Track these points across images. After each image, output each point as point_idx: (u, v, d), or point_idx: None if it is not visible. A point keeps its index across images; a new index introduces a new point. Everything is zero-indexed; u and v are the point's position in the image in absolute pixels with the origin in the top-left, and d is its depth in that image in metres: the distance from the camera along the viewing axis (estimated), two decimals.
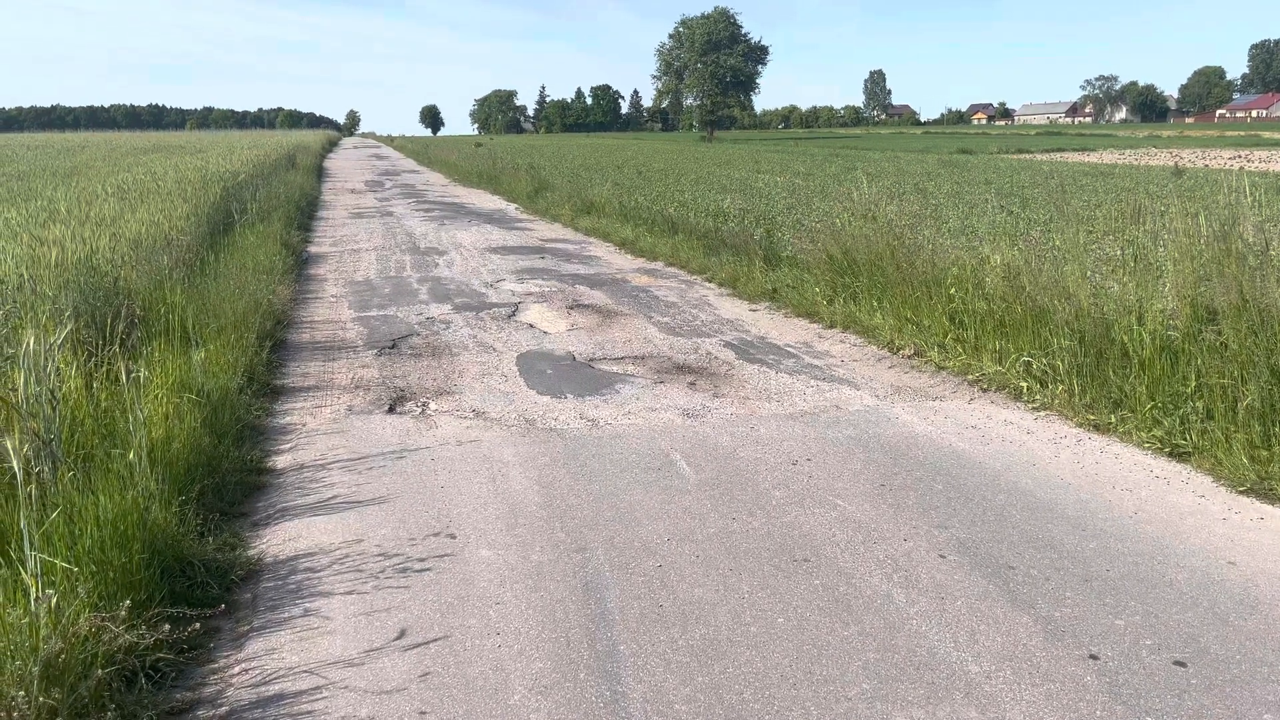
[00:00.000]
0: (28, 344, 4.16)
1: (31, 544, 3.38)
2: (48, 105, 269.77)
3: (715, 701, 3.24)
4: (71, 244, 7.70)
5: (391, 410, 6.60)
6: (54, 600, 3.15)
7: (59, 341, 4.59)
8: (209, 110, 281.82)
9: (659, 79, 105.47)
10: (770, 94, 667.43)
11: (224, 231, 13.42)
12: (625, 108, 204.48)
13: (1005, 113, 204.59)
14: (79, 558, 3.55)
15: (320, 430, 6.15)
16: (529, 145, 68.47)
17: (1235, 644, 3.55)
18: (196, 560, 4.05)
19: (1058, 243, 7.84)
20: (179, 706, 3.24)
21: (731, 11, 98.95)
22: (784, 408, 6.57)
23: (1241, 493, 4.98)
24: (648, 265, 13.20)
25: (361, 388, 7.16)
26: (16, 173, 23.71)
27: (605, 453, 5.68)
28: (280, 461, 5.58)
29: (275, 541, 4.51)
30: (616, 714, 3.19)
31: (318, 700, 3.28)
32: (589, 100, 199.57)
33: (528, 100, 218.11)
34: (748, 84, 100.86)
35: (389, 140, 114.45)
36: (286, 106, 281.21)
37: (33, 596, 3.19)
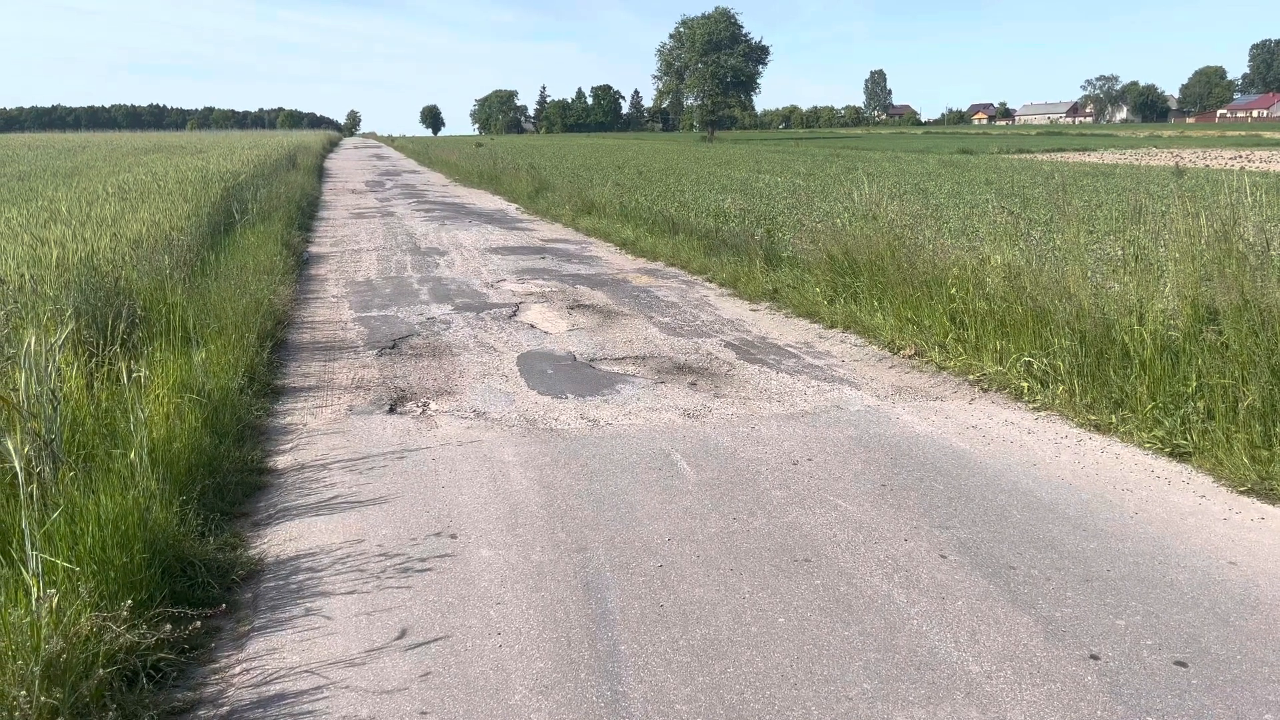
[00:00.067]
0: (29, 344, 4.17)
1: (33, 544, 3.39)
2: (48, 105, 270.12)
3: (716, 701, 3.24)
4: (72, 244, 7.73)
5: (392, 410, 6.60)
6: (55, 600, 3.15)
7: (60, 341, 4.60)
8: (210, 110, 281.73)
9: (660, 79, 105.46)
10: (771, 94, 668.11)
11: (225, 231, 13.43)
12: (626, 108, 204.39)
13: (1006, 113, 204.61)
14: (80, 557, 3.55)
15: (321, 430, 6.16)
16: (529, 145, 68.50)
17: (1236, 644, 3.55)
18: (197, 560, 4.06)
19: (1058, 243, 7.83)
20: (180, 706, 3.24)
21: (732, 11, 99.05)
22: (785, 408, 6.57)
23: (1242, 493, 4.98)
24: (648, 265, 13.20)
25: (362, 388, 7.16)
26: (17, 173, 23.76)
27: (606, 453, 5.69)
28: (281, 461, 5.59)
29: (276, 541, 4.52)
30: (617, 714, 3.19)
31: (319, 700, 3.28)
32: (590, 100, 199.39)
33: (528, 100, 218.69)
34: (748, 84, 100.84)
35: (390, 140, 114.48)
36: (287, 106, 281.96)
37: (34, 596, 3.19)
